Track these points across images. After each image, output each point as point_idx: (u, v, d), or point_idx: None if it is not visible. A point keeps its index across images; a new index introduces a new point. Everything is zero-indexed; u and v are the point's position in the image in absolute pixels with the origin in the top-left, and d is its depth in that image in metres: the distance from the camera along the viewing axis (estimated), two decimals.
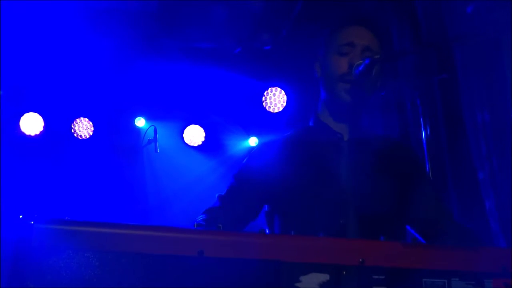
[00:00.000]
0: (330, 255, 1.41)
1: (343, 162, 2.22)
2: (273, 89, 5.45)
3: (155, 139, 5.01)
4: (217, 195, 2.24)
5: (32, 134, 5.31)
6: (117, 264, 1.31)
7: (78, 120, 5.48)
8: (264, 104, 5.46)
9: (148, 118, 5.54)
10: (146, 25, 4.83)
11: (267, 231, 2.12)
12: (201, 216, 2.08)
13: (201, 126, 5.70)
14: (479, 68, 3.09)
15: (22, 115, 5.30)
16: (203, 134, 5.71)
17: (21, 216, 1.28)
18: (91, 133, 5.48)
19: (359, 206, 2.12)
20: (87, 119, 5.50)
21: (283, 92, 5.45)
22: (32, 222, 1.29)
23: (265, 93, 5.46)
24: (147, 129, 5.25)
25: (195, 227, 1.41)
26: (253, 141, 5.71)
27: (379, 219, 2.10)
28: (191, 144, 5.70)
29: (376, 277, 1.42)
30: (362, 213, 2.11)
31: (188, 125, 5.69)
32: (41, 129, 5.32)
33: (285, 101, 5.43)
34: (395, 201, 2.16)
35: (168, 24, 4.76)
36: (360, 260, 1.42)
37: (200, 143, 5.72)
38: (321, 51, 2.35)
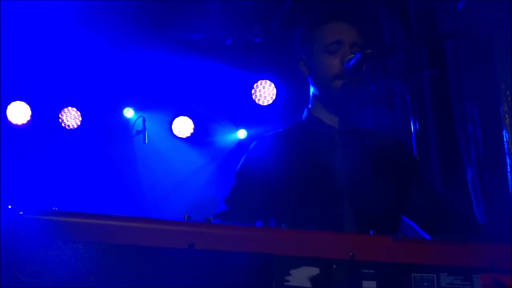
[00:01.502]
0: (320, 249, 1.41)
1: (337, 154, 2.24)
2: (263, 81, 5.44)
3: (143, 130, 4.99)
4: (222, 198, 2.25)
5: (19, 123, 5.26)
6: (106, 256, 1.30)
7: (66, 109, 5.44)
8: (253, 96, 5.45)
9: (137, 108, 5.51)
10: (137, 14, 4.80)
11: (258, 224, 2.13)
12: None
13: (190, 117, 5.68)
14: (469, 64, 3.11)
15: (9, 103, 5.24)
16: (192, 126, 5.68)
17: (10, 207, 1.26)
18: (79, 123, 5.44)
19: (353, 197, 2.15)
20: (75, 109, 5.45)
21: (272, 85, 5.44)
22: (21, 213, 1.27)
23: (254, 85, 5.44)
24: (135, 120, 5.22)
25: (185, 219, 1.40)
26: (241, 134, 5.70)
27: (374, 210, 2.12)
28: (180, 136, 5.68)
29: (366, 271, 1.43)
30: (357, 204, 2.14)
31: (177, 116, 5.66)
32: (28, 118, 5.27)
33: (275, 94, 5.42)
34: (388, 192, 2.19)
35: (159, 14, 4.73)
36: (350, 254, 1.43)
37: (188, 134, 5.70)
38: (303, 50, 2.35)
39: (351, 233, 1.61)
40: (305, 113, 2.39)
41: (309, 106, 2.38)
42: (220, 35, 4.94)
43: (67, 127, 5.42)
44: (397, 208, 2.23)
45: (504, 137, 2.79)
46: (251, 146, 2.39)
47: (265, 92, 5.43)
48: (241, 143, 5.65)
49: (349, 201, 2.14)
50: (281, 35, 4.93)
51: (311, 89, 2.36)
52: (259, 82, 5.44)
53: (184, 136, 5.69)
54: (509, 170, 2.74)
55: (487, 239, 1.73)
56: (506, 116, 2.79)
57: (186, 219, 1.40)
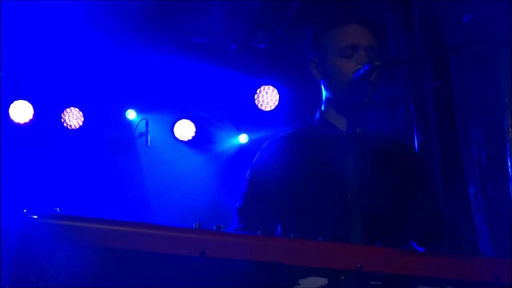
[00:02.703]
0: (329, 259, 1.43)
1: (349, 160, 2.23)
2: (266, 87, 5.46)
3: (146, 133, 5.00)
4: (236, 207, 2.24)
5: (21, 122, 5.27)
6: (118, 262, 1.31)
7: (68, 109, 5.45)
8: (256, 102, 5.47)
9: (139, 110, 5.52)
10: (142, 17, 4.81)
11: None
12: None
13: (192, 121, 5.69)
14: (474, 78, 3.13)
15: (12, 102, 5.25)
16: (194, 129, 5.70)
17: (25, 210, 1.27)
18: (81, 123, 5.45)
19: (363, 205, 2.14)
20: (77, 109, 5.46)
21: (275, 90, 5.46)
22: (36, 217, 1.29)
23: (257, 91, 5.46)
24: (138, 122, 5.23)
25: (196, 226, 1.41)
26: (243, 138, 5.72)
27: (383, 217, 2.12)
28: (181, 139, 5.69)
29: (373, 282, 1.44)
30: (366, 213, 2.13)
31: (179, 119, 5.68)
32: (31, 117, 5.28)
33: (278, 99, 5.44)
34: (398, 200, 2.18)
35: (164, 17, 4.74)
36: (359, 265, 1.44)
37: (190, 138, 5.71)
38: (315, 52, 2.32)
39: (359, 244, 1.62)
40: (317, 116, 2.36)
41: (322, 109, 2.35)
42: (225, 39, 4.96)
43: (69, 127, 5.44)
44: (405, 217, 2.22)
45: (508, 151, 2.81)
46: (262, 148, 2.35)
47: (267, 98, 5.45)
48: (242, 148, 5.67)
49: (359, 209, 2.14)
50: (285, 41, 4.95)
51: (324, 93, 2.33)
52: (262, 87, 5.46)
53: (185, 139, 5.70)
54: (511, 183, 2.76)
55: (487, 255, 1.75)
56: (510, 129, 2.82)
57: (197, 226, 1.42)
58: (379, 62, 2.16)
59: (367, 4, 3.64)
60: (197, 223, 1.43)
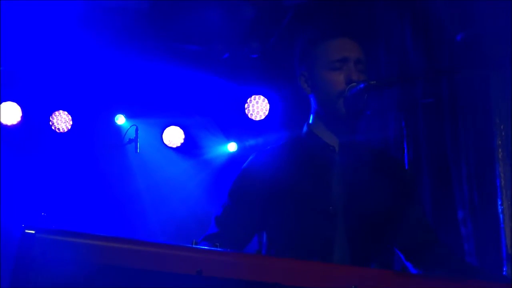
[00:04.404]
0: (325, 280, 1.44)
1: (334, 173, 2.23)
2: (257, 97, 5.46)
3: (136, 139, 4.98)
4: (214, 216, 2.24)
5: (9, 123, 5.22)
6: (115, 279, 1.31)
7: (57, 112, 5.40)
8: (246, 111, 5.47)
9: (129, 116, 5.50)
10: (135, 21, 4.80)
11: (260, 244, 2.15)
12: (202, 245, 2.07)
13: (181, 128, 5.68)
14: (465, 96, 3.17)
15: (0, 103, 5.20)
16: (183, 136, 5.69)
17: (23, 225, 1.27)
18: (69, 127, 5.41)
19: (347, 217, 2.15)
20: (66, 112, 5.42)
21: (266, 100, 5.46)
22: (33, 232, 1.28)
23: (248, 100, 5.47)
24: (128, 128, 5.21)
25: (193, 244, 1.41)
26: (232, 147, 5.71)
27: (367, 231, 2.13)
28: (170, 145, 5.67)
29: None
30: (351, 227, 2.14)
31: (168, 125, 5.66)
32: (19, 119, 5.23)
33: (268, 109, 5.45)
34: (383, 213, 2.19)
35: (157, 23, 4.73)
36: (353, 286, 1.45)
37: (178, 144, 5.70)
38: (304, 66, 2.32)
39: (354, 266, 1.63)
40: (305, 129, 2.36)
41: (310, 122, 2.35)
42: (218, 48, 4.96)
43: (57, 130, 5.39)
44: (390, 233, 2.24)
45: (497, 170, 2.85)
46: (248, 160, 2.35)
47: (258, 107, 5.45)
48: (231, 156, 5.67)
49: (343, 222, 2.15)
50: (277, 51, 4.97)
51: (313, 106, 2.33)
52: (252, 97, 5.46)
53: (174, 146, 5.69)
54: (499, 203, 2.80)
55: (479, 277, 1.77)
56: (500, 150, 2.85)
57: (194, 244, 1.42)
58: (374, 82, 2.17)
59: (358, 19, 3.67)
60: (194, 240, 1.43)
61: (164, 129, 5.65)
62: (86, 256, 1.30)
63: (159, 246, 1.37)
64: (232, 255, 1.41)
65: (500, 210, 2.79)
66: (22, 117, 5.23)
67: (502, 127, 2.81)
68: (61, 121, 5.42)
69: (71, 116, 5.41)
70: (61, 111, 5.40)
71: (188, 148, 5.71)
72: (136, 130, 4.99)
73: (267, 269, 1.40)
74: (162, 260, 1.35)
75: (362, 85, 2.17)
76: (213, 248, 1.40)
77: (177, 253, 1.37)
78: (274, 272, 1.40)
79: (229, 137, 5.71)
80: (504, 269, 2.90)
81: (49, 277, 1.27)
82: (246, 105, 5.47)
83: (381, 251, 2.19)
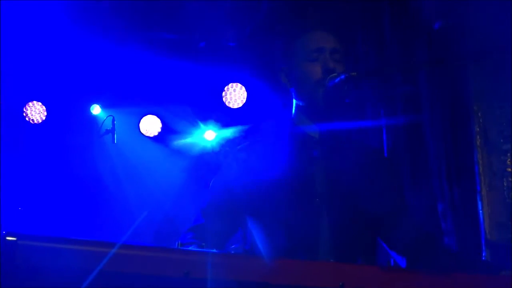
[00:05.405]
0: (312, 278, 1.44)
1: (318, 165, 2.25)
2: (234, 84, 5.43)
3: (113, 130, 4.91)
4: (200, 208, 2.25)
5: None
6: (102, 283, 1.29)
7: (30, 103, 5.30)
8: (224, 99, 5.44)
9: (104, 105, 5.42)
10: (110, 11, 4.72)
11: (247, 244, 2.15)
12: (187, 237, 2.06)
13: (158, 117, 5.62)
14: (444, 84, 3.19)
15: None
16: (160, 125, 5.64)
17: (4, 232, 1.23)
18: (44, 118, 5.31)
19: (332, 209, 2.16)
20: (40, 103, 5.32)
21: (243, 88, 5.44)
22: (15, 239, 1.25)
23: (225, 88, 5.43)
24: (105, 119, 5.14)
25: (179, 246, 1.40)
26: (209, 135, 5.68)
27: (352, 221, 2.15)
28: (147, 135, 5.62)
29: None
30: (335, 219, 2.15)
31: (145, 115, 5.60)
32: None
33: (245, 97, 5.43)
34: (367, 203, 2.20)
35: (133, 12, 4.66)
36: (340, 283, 1.46)
37: (156, 133, 5.64)
38: (285, 61, 2.36)
39: (341, 262, 1.64)
40: (286, 122, 2.38)
41: (292, 116, 2.37)
42: (194, 36, 4.91)
43: (31, 121, 5.30)
44: (374, 225, 2.26)
45: (475, 157, 2.88)
46: (231, 154, 2.36)
47: (235, 95, 5.43)
48: (209, 145, 5.63)
49: (327, 213, 2.16)
50: (254, 39, 4.94)
51: (294, 100, 2.36)
52: (230, 85, 5.43)
53: (151, 135, 5.63)
54: (478, 190, 2.83)
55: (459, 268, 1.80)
56: (478, 137, 2.89)
57: (179, 246, 1.41)
58: (355, 73, 2.17)
59: (335, 13, 3.66)
60: (179, 242, 1.42)
61: (141, 118, 5.60)
62: (70, 262, 1.28)
63: (146, 249, 1.35)
64: (219, 256, 1.40)
65: (478, 197, 2.83)
66: None
67: (479, 114, 2.84)
68: (35, 112, 5.32)
69: (45, 106, 5.32)
70: (35, 101, 5.30)
71: (166, 137, 5.67)
72: (113, 120, 4.92)
73: (254, 269, 1.40)
74: (149, 263, 1.33)
75: (343, 76, 2.18)
76: (200, 250, 1.39)
77: (165, 255, 1.36)
78: (262, 272, 1.40)
79: (207, 126, 5.67)
80: (483, 254, 2.96)
81: (34, 284, 1.24)
82: (223, 93, 5.44)
83: (366, 240, 2.21)
